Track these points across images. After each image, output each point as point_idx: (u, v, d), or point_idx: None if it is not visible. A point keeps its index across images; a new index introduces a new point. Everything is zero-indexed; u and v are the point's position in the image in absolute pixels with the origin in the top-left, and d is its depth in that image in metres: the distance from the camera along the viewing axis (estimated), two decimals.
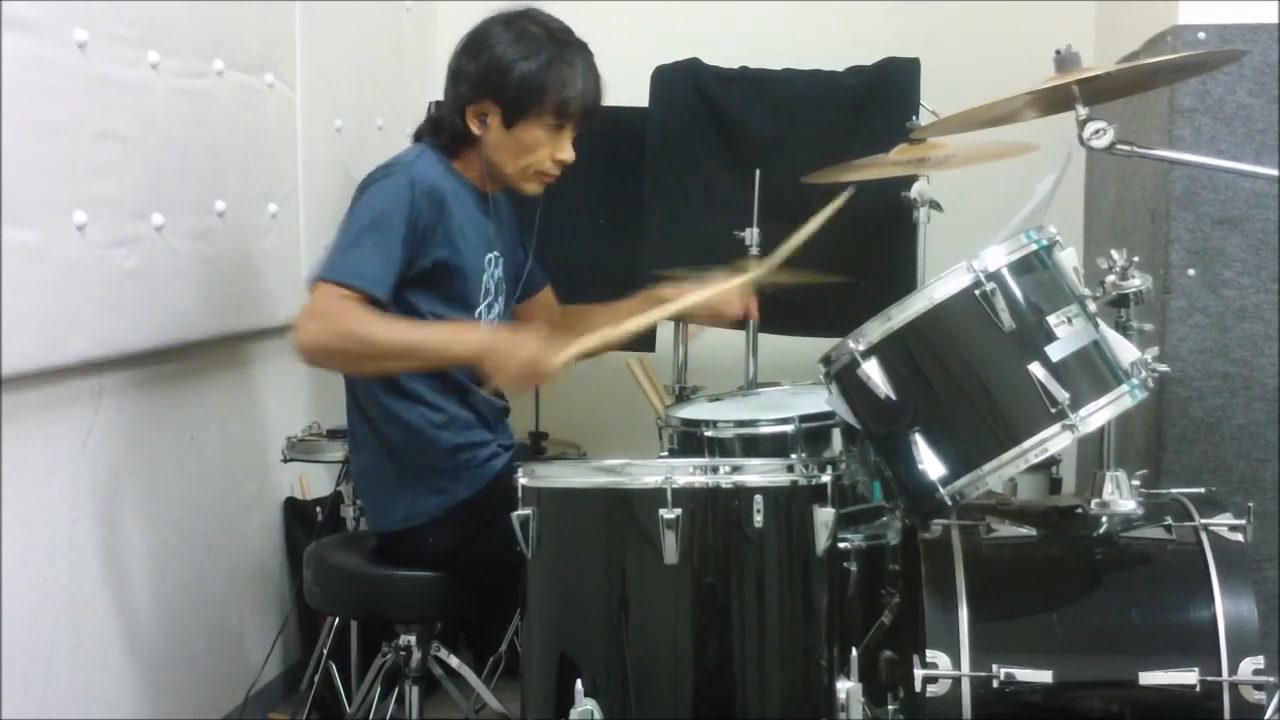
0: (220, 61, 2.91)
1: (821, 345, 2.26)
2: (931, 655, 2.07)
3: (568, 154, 2.51)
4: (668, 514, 2.13)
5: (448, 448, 2.48)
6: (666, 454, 2.67)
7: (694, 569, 2.18)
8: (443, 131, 2.52)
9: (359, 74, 3.61)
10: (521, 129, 2.47)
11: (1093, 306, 2.17)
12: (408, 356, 2.39)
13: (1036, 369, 2.09)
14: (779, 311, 3.29)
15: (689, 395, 3.18)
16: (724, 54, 3.64)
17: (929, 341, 2.16)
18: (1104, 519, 2.26)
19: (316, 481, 3.45)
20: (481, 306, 2.55)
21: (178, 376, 2.89)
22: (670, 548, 2.14)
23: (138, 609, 2.77)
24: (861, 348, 2.16)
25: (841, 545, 2.43)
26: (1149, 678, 2.04)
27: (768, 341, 3.29)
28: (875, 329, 2.16)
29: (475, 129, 2.48)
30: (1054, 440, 2.10)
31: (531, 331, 2.40)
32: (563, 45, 2.50)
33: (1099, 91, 2.22)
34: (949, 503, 2.14)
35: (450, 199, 2.45)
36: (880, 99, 3.45)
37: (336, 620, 3.08)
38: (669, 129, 3.56)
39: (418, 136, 2.60)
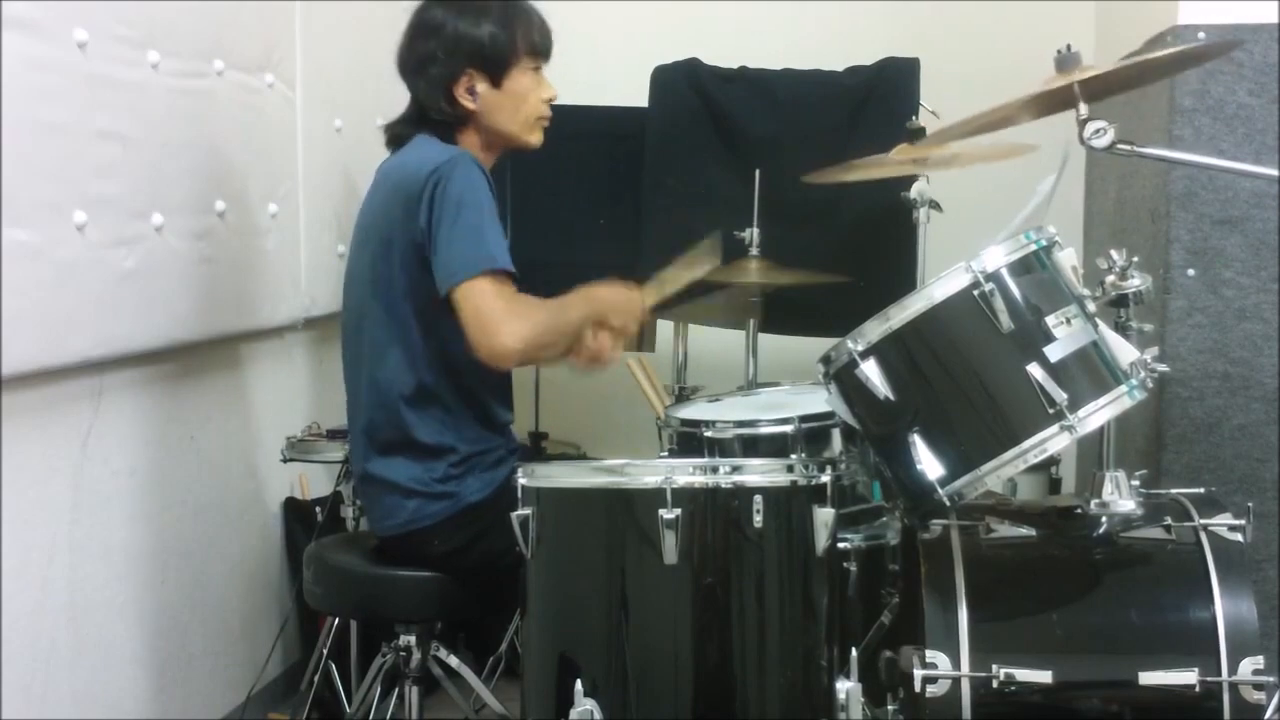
0: (220, 61, 2.91)
1: (821, 345, 2.26)
2: (931, 655, 2.07)
3: (551, 90, 2.58)
4: (667, 514, 2.13)
5: (461, 454, 2.48)
6: (666, 454, 2.67)
7: (694, 569, 2.18)
8: (432, 121, 2.52)
9: (359, 74, 3.61)
10: (510, 81, 2.52)
11: (1091, 307, 2.17)
12: (575, 333, 2.47)
13: (1035, 369, 2.09)
14: (779, 311, 3.29)
15: (689, 395, 3.18)
16: (724, 54, 3.64)
17: (928, 342, 2.16)
18: (1103, 519, 2.25)
19: (316, 481, 3.45)
20: None
21: (177, 376, 2.89)
22: (670, 548, 2.14)
23: (138, 609, 2.77)
24: (860, 348, 2.16)
25: (841, 545, 2.43)
26: (1149, 678, 2.04)
27: (768, 341, 3.29)
28: (874, 329, 2.16)
29: (469, 103, 2.50)
30: (1052, 441, 2.10)
31: (610, 284, 2.52)
32: None
33: (1099, 90, 2.22)
34: (948, 503, 2.14)
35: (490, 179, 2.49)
36: (880, 99, 3.46)
37: (336, 620, 3.08)
38: (669, 129, 3.57)
39: (399, 140, 2.56)
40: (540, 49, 2.55)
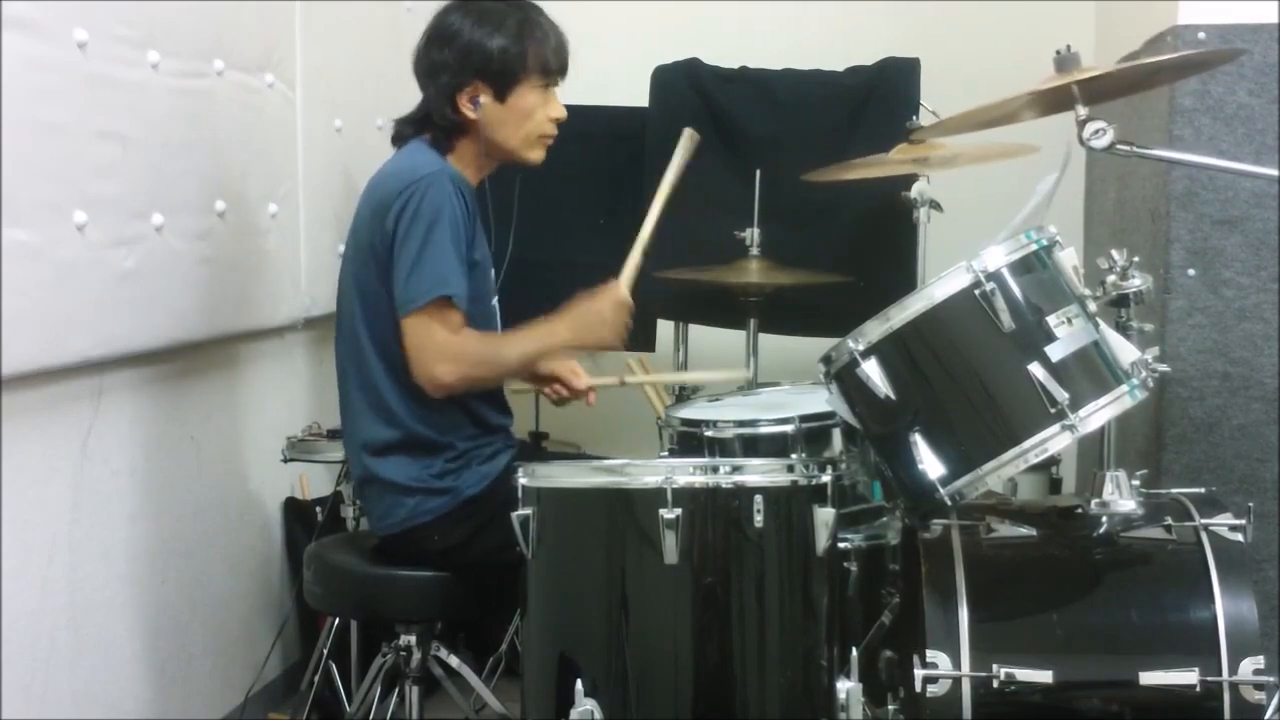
0: (220, 61, 2.91)
1: (821, 345, 2.26)
2: (931, 655, 2.07)
3: (560, 110, 2.56)
4: (668, 514, 2.13)
5: (459, 450, 2.49)
6: (667, 454, 2.67)
7: (694, 569, 2.18)
8: (434, 127, 2.53)
9: (359, 74, 3.61)
10: (515, 97, 2.51)
11: (1092, 306, 2.17)
12: (525, 367, 2.56)
13: (1036, 369, 2.09)
14: (779, 311, 3.29)
15: (689, 395, 3.18)
16: (724, 54, 3.64)
17: (928, 341, 2.16)
18: (1104, 519, 2.26)
19: (316, 481, 3.45)
20: (494, 301, 2.58)
21: (178, 376, 2.89)
22: (670, 548, 2.14)
23: (138, 609, 2.77)
24: (861, 347, 2.16)
25: (841, 545, 2.43)
26: (1149, 678, 2.04)
27: (768, 341, 3.29)
28: (875, 329, 2.16)
29: (470, 113, 2.50)
30: (1054, 440, 2.10)
31: (583, 299, 2.53)
32: (523, 8, 2.55)
33: (1099, 91, 2.22)
34: (949, 503, 2.14)
35: (470, 195, 2.49)
36: (880, 99, 3.45)
37: (336, 620, 3.08)
38: (669, 129, 3.55)
39: (400, 139, 2.58)
40: (553, 68, 2.53)
